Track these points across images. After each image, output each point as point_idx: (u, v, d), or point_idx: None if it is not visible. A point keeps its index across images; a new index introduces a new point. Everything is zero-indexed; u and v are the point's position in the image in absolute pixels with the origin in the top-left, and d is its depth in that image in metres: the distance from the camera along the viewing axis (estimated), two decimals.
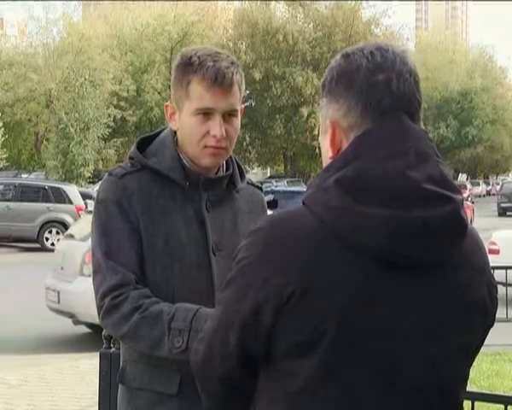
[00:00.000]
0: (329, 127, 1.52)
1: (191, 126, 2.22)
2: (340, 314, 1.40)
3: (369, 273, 1.41)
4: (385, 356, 1.43)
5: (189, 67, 2.21)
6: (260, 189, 2.53)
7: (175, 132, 2.29)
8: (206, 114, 2.20)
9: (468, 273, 1.50)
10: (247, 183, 2.43)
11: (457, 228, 1.46)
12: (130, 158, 2.30)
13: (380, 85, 1.48)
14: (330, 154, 1.52)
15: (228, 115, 2.23)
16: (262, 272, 1.44)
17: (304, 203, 1.48)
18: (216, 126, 2.20)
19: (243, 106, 2.33)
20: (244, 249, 1.49)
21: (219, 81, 2.18)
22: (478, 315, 1.52)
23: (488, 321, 1.56)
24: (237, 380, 1.54)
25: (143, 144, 2.32)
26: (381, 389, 1.43)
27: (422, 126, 1.56)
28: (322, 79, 1.58)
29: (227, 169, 2.35)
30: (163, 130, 2.36)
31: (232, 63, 2.23)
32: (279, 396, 1.46)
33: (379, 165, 1.42)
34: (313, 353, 1.41)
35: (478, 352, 1.60)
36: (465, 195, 35.44)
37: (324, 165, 1.54)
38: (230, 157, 2.36)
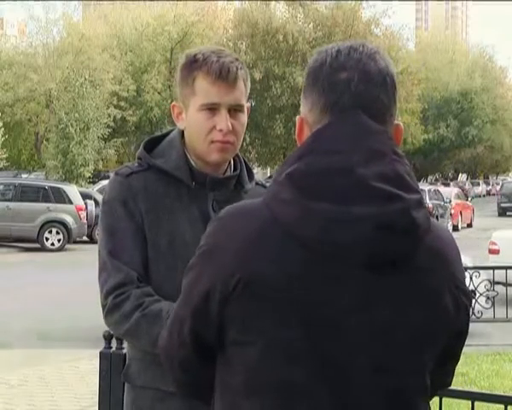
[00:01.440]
0: (298, 122, 1.57)
1: (198, 122, 2.24)
2: (282, 305, 1.42)
3: (312, 267, 1.42)
4: (326, 351, 1.42)
5: (193, 64, 2.24)
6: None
7: (183, 134, 2.31)
8: (212, 109, 2.22)
9: (428, 276, 1.48)
10: (257, 183, 2.43)
11: (406, 228, 1.43)
12: (139, 158, 2.32)
13: (340, 84, 1.50)
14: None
15: (234, 111, 2.24)
16: (213, 260, 1.48)
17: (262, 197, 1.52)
18: (222, 121, 2.21)
19: (248, 104, 2.33)
20: (204, 238, 1.54)
21: (224, 75, 2.20)
22: (436, 319, 1.49)
23: (452, 326, 1.52)
24: (194, 366, 1.58)
25: (151, 145, 2.34)
26: (322, 384, 1.42)
27: (402, 127, 1.55)
28: None
29: (235, 169, 2.36)
30: (171, 131, 2.38)
31: (236, 59, 2.26)
32: (226, 386, 1.49)
33: (328, 160, 1.44)
34: (255, 344, 1.43)
35: (452, 359, 1.59)
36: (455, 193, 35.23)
37: None
38: (239, 158, 2.38)
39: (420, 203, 1.46)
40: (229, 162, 2.34)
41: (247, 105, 2.30)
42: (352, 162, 1.43)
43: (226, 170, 2.34)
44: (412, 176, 1.48)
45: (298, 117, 1.57)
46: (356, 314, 1.43)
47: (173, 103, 2.33)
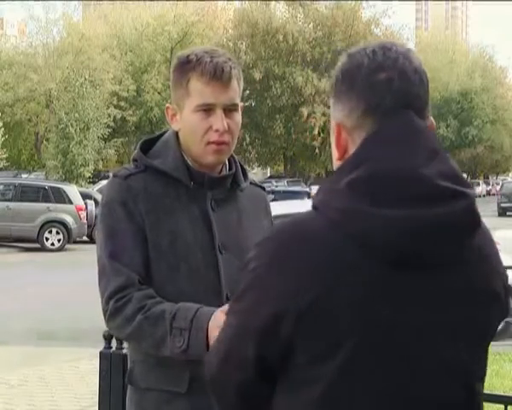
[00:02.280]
0: (335, 129, 1.52)
1: (193, 123, 2.23)
2: (359, 317, 1.39)
3: (385, 274, 1.40)
4: (404, 355, 1.42)
5: (187, 65, 2.23)
6: (263, 188, 2.54)
7: (177, 134, 2.30)
8: (208, 110, 2.21)
9: (483, 266, 1.50)
10: (250, 183, 2.43)
11: (472, 223, 1.46)
12: (134, 160, 2.30)
13: (380, 84, 1.47)
14: (337, 155, 1.52)
15: (229, 110, 2.23)
16: (277, 281, 1.42)
17: (314, 207, 1.47)
18: (218, 121, 2.20)
19: (242, 104, 2.33)
20: (256, 258, 1.46)
21: (218, 75, 2.19)
22: (494, 308, 1.52)
23: (503, 314, 1.55)
24: (254, 391, 1.52)
25: (146, 146, 2.32)
26: (403, 387, 1.42)
27: (433, 122, 1.55)
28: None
29: (230, 169, 2.35)
30: (165, 132, 2.37)
31: (229, 59, 2.25)
32: (298, 406, 1.44)
33: (391, 165, 1.41)
34: (334, 358, 1.39)
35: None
36: None
37: (334, 166, 1.53)
38: (233, 158, 2.37)
39: (475, 199, 1.47)
40: (224, 162, 2.34)
41: (240, 104, 2.30)
42: (416, 164, 1.41)
43: (221, 169, 2.33)
44: (461, 172, 1.50)
45: (333, 123, 1.52)
46: (431, 316, 1.43)
47: (167, 105, 2.32)
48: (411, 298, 1.42)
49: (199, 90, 2.20)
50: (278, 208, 6.41)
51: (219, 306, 2.11)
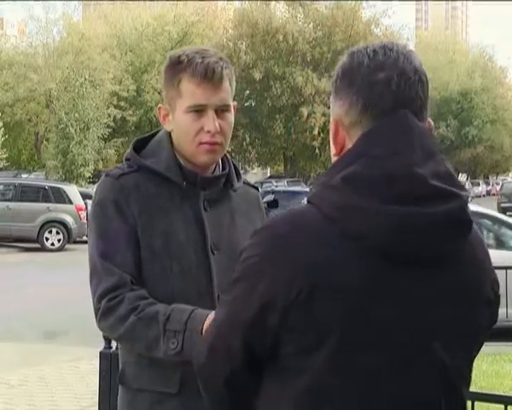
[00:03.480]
0: (333, 125, 1.53)
1: (185, 124, 2.22)
2: (347, 311, 1.41)
3: (376, 270, 1.42)
4: (390, 351, 1.43)
5: (178, 66, 2.22)
6: (256, 188, 2.53)
7: (170, 133, 2.29)
8: (199, 110, 2.21)
9: (474, 269, 1.51)
10: (243, 182, 2.43)
11: (463, 224, 1.47)
12: (127, 159, 2.29)
13: (380, 84, 1.49)
14: (334, 151, 1.54)
15: (221, 111, 2.23)
16: (268, 271, 1.44)
17: (309, 202, 1.49)
18: (209, 122, 2.20)
19: (234, 103, 2.32)
20: (249, 249, 1.48)
21: (209, 76, 2.19)
22: (484, 313, 1.53)
23: (492, 320, 1.57)
24: (241, 380, 1.53)
25: (139, 146, 2.32)
26: (388, 384, 1.43)
27: (432, 123, 1.56)
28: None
29: (223, 169, 2.35)
30: (158, 131, 2.36)
31: (221, 58, 2.24)
32: (284, 395, 1.46)
33: (386, 162, 1.43)
34: (320, 350, 1.41)
35: (478, 352, 1.60)
36: None
37: (332, 162, 1.55)
38: (226, 157, 2.37)
39: (467, 201, 1.49)
40: (217, 162, 2.33)
41: (233, 104, 2.29)
42: (411, 162, 1.43)
43: (215, 169, 2.33)
44: (455, 174, 1.51)
45: (332, 119, 1.54)
46: (420, 313, 1.44)
47: (159, 105, 2.32)
48: (404, 296, 1.44)
49: (190, 91, 2.20)
50: None
51: (211, 306, 2.11)
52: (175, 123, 2.25)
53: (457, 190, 1.46)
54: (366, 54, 1.51)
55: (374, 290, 1.42)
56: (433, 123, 1.58)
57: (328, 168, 1.51)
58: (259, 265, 1.45)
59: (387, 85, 1.48)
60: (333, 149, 1.54)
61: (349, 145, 1.50)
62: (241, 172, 2.46)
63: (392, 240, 1.40)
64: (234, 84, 2.29)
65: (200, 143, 2.22)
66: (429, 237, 1.42)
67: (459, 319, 1.48)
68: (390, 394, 1.43)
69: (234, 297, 1.50)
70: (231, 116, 2.27)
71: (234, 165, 2.39)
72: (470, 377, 1.59)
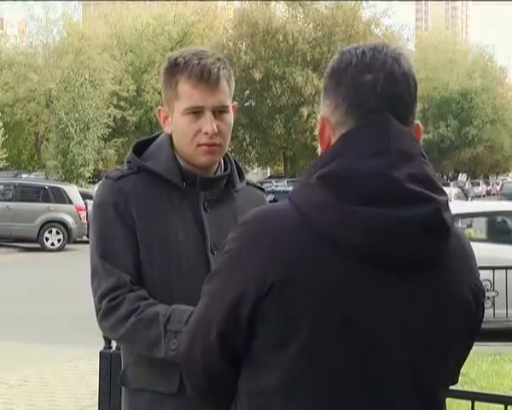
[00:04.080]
0: (320, 123, 1.55)
1: (183, 126, 2.23)
2: (318, 309, 1.42)
3: (348, 270, 1.43)
4: (361, 352, 1.43)
5: (175, 67, 2.23)
6: (262, 189, 2.53)
7: (171, 135, 2.30)
8: (197, 112, 2.21)
9: (454, 276, 1.51)
10: (247, 183, 2.42)
11: (438, 229, 1.47)
12: (128, 162, 2.31)
13: (365, 85, 1.50)
14: (320, 149, 1.56)
15: (219, 112, 2.23)
16: (242, 266, 1.47)
17: (289, 199, 1.50)
18: (207, 124, 2.20)
19: (234, 103, 2.32)
20: (230, 242, 1.52)
21: (205, 78, 2.19)
22: (463, 319, 1.52)
23: (472, 325, 1.56)
24: (220, 372, 1.56)
25: (140, 148, 2.33)
26: (357, 385, 1.43)
27: (421, 126, 1.57)
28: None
29: (225, 169, 2.35)
30: (160, 134, 2.37)
31: (218, 59, 2.24)
32: (257, 390, 1.48)
33: (361, 163, 1.44)
34: (291, 346, 1.43)
35: (465, 356, 1.61)
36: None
37: None
38: (229, 157, 2.37)
39: (447, 205, 1.49)
40: (220, 162, 2.34)
41: (233, 104, 2.29)
42: (386, 164, 1.43)
43: (217, 170, 2.33)
44: (437, 178, 1.51)
45: (320, 117, 1.56)
46: (393, 316, 1.44)
47: (159, 107, 2.33)
48: (377, 298, 1.44)
49: (187, 92, 2.21)
50: None
51: None
52: (173, 125, 2.26)
53: (435, 194, 1.46)
54: (355, 54, 1.52)
55: (346, 291, 1.42)
56: (422, 127, 1.58)
57: (310, 166, 1.52)
58: (235, 258, 1.49)
59: (373, 87, 1.49)
60: (320, 147, 1.56)
61: None
62: None
63: (364, 242, 1.41)
64: (233, 84, 2.28)
65: (199, 145, 2.22)
66: (403, 240, 1.42)
67: (435, 324, 1.48)
68: (358, 399, 1.43)
69: (211, 289, 1.54)
70: (229, 117, 2.27)
71: (237, 165, 2.39)
72: (453, 379, 1.59)
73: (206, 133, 2.21)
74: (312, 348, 1.42)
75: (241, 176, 2.39)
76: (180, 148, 2.27)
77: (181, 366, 1.65)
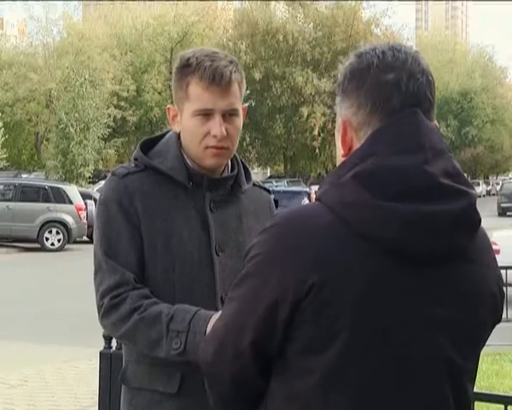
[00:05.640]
0: (341, 126, 1.54)
1: (192, 128, 2.22)
2: (356, 308, 1.41)
3: (385, 267, 1.42)
4: (399, 349, 1.43)
5: (187, 68, 2.22)
6: (268, 191, 2.51)
7: (179, 134, 2.29)
8: (206, 114, 2.20)
9: (481, 268, 1.52)
10: (254, 184, 2.42)
11: (472, 222, 1.49)
12: (135, 159, 2.30)
13: (389, 84, 1.50)
14: (342, 152, 1.54)
15: (229, 115, 2.22)
16: (278, 268, 1.44)
17: (319, 200, 1.49)
18: (216, 127, 2.19)
19: (245, 105, 2.31)
20: (258, 246, 1.49)
21: (217, 81, 2.18)
22: (490, 311, 1.54)
23: (497, 315, 1.58)
24: (249, 378, 1.53)
25: (147, 146, 2.32)
26: (396, 381, 1.44)
27: (437, 123, 1.58)
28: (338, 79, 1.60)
29: (232, 170, 2.34)
30: (167, 132, 2.36)
31: (231, 62, 2.23)
32: (293, 394, 1.46)
33: (395, 159, 1.44)
34: (330, 347, 1.41)
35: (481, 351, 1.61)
36: None
37: (337, 163, 1.55)
38: (236, 158, 2.36)
39: (476, 199, 1.50)
40: (227, 163, 2.33)
41: (243, 106, 2.29)
42: (420, 161, 1.44)
43: (223, 170, 2.32)
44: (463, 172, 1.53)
45: (340, 121, 1.55)
46: (427, 311, 1.45)
47: (168, 106, 2.32)
48: (412, 294, 1.44)
49: (198, 94, 2.19)
50: None
51: (214, 307, 2.11)
52: (182, 125, 2.25)
53: (466, 188, 1.48)
54: (375, 55, 1.52)
55: (383, 289, 1.42)
56: (437, 123, 1.59)
57: (337, 167, 1.51)
58: (268, 261, 1.46)
59: (397, 86, 1.50)
60: (340, 150, 1.55)
61: (357, 146, 1.51)
62: None
63: (402, 238, 1.41)
64: (244, 87, 2.28)
65: (207, 147, 2.22)
66: (439, 235, 1.43)
67: (467, 317, 1.49)
68: (397, 395, 1.44)
69: (243, 294, 1.50)
70: (239, 120, 2.26)
71: (244, 166, 2.38)
72: (475, 376, 1.59)
73: (214, 136, 2.20)
74: (352, 347, 1.41)
75: (248, 177, 2.38)
76: (188, 148, 2.26)
77: (205, 374, 1.61)
